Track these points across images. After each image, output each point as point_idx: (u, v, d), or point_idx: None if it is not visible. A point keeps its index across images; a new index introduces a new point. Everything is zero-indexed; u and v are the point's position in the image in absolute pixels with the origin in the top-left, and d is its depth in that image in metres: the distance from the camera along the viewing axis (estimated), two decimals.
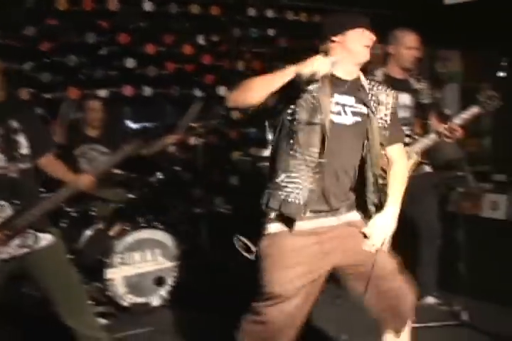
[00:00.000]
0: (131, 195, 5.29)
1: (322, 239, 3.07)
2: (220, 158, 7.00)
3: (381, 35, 8.07)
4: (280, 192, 3.03)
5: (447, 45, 7.19)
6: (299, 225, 3.04)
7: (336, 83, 3.03)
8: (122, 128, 6.46)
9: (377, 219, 3.13)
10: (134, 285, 4.95)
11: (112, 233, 5.04)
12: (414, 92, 4.86)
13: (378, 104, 3.13)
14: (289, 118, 3.01)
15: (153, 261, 5.06)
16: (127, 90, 6.39)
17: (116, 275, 4.88)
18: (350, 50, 3.04)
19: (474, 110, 4.53)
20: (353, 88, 3.09)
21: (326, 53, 3.06)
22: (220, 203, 6.84)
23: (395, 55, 4.84)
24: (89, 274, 4.85)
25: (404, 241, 4.91)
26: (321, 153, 2.96)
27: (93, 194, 5.20)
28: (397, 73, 4.88)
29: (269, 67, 7.23)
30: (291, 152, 3.00)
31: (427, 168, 4.91)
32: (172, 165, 5.81)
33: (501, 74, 7.73)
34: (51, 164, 3.78)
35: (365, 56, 3.05)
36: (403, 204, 3.24)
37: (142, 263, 5.00)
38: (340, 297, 5.16)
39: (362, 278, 3.12)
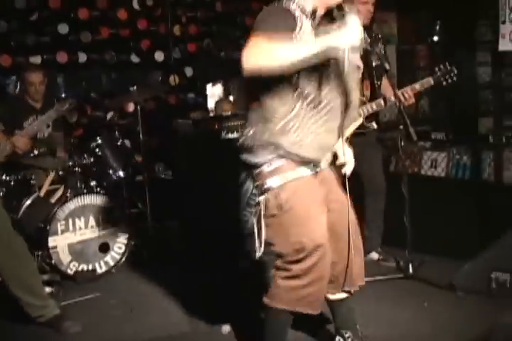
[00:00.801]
0: (70, 162, 5.19)
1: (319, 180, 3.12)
2: (160, 123, 6.92)
3: None
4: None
5: (383, 7, 7.21)
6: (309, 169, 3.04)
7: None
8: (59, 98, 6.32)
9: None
10: (78, 252, 4.89)
11: (52, 200, 4.94)
12: (366, 53, 4.84)
13: None
14: None
15: (96, 227, 5.00)
16: (61, 57, 6.24)
17: (60, 242, 4.81)
18: None
19: (430, 82, 4.66)
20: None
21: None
22: (161, 169, 6.77)
23: None
24: (32, 242, 4.75)
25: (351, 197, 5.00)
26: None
27: (32, 162, 5.14)
28: None
29: (205, 32, 7.18)
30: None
31: (374, 125, 4.97)
32: (111, 132, 5.71)
33: (435, 38, 7.83)
34: None
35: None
36: None
37: (85, 230, 4.94)
38: None
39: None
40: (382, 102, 4.75)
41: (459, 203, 5.09)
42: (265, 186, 2.99)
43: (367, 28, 4.79)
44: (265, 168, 2.99)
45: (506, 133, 5.55)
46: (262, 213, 3.00)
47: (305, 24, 2.86)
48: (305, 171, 3.01)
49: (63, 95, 6.00)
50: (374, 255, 5.09)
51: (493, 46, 4.91)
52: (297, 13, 2.87)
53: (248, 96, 3.09)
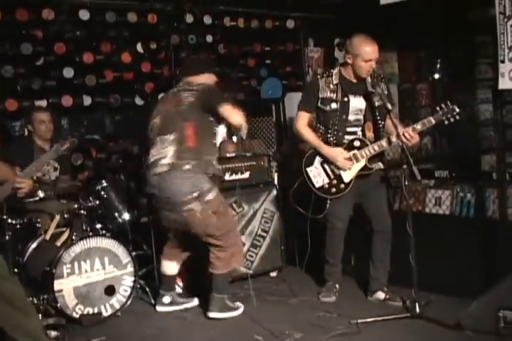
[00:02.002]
0: (76, 205, 5.21)
1: None
2: None
3: (319, 39, 8.23)
4: None
5: (384, 47, 7.30)
6: None
7: None
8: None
9: None
10: (84, 295, 4.87)
11: (58, 243, 4.94)
12: (369, 95, 4.89)
13: None
14: None
15: (102, 269, 4.99)
16: (66, 100, 6.31)
17: (65, 286, 4.79)
18: None
19: (431, 122, 4.71)
20: None
21: None
22: None
23: (352, 65, 4.85)
24: (38, 286, 4.77)
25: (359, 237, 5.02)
26: None
27: (37, 206, 5.18)
28: (353, 77, 4.92)
29: None
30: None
31: (380, 165, 5.01)
32: (116, 174, 5.76)
33: (436, 75, 7.91)
34: None
35: None
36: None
37: (91, 273, 4.93)
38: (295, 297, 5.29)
39: None
40: (384, 143, 4.79)
41: (464, 241, 5.09)
42: (206, 199, 4.66)
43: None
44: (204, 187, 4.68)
45: (509, 170, 5.56)
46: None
47: None
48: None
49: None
50: (380, 294, 5.08)
51: (493, 83, 4.94)
52: None
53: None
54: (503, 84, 4.73)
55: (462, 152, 6.60)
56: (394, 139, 4.71)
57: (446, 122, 4.68)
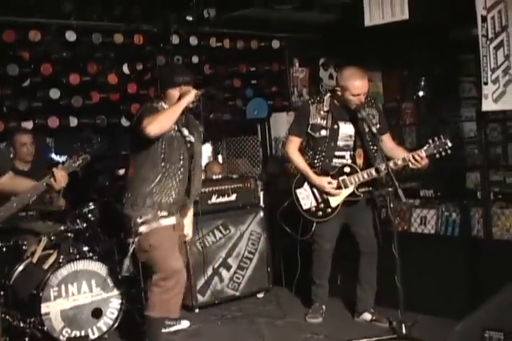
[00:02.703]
0: (63, 227, 5.21)
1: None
2: None
3: (304, 59, 8.31)
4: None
5: (368, 67, 7.37)
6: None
7: None
8: (48, 161, 6.39)
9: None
10: (71, 318, 4.86)
11: (45, 266, 4.93)
12: (360, 121, 4.90)
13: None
14: None
15: (89, 292, 4.98)
16: (52, 121, 6.32)
17: (52, 309, 4.78)
18: None
19: (421, 154, 4.67)
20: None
21: None
22: None
23: (341, 96, 4.87)
24: (24, 309, 4.75)
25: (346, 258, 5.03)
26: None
27: (24, 227, 5.16)
28: (342, 105, 4.94)
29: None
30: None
31: (367, 188, 5.03)
32: (103, 196, 5.76)
33: (420, 93, 8.00)
34: None
35: None
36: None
37: (78, 296, 4.92)
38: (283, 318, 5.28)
39: None
40: (373, 172, 4.80)
41: (450, 260, 5.12)
42: (138, 231, 4.38)
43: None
44: (138, 220, 4.41)
45: (493, 189, 5.61)
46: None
47: None
48: (165, 222, 4.45)
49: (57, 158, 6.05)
50: (367, 315, 5.10)
51: (477, 102, 4.99)
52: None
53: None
54: (487, 105, 4.78)
55: (447, 170, 6.65)
56: (382, 168, 4.71)
57: (437, 156, 4.66)
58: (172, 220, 4.51)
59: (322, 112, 4.97)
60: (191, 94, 4.30)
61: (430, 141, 4.67)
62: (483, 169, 5.31)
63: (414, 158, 4.66)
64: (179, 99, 4.35)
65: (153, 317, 4.48)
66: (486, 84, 4.76)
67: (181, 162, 4.47)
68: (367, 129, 4.83)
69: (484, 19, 4.69)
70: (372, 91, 7.68)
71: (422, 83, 8.03)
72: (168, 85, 4.43)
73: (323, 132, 4.94)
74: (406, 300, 4.60)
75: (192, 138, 4.57)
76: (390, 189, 4.49)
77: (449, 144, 4.63)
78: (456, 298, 4.93)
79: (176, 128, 4.46)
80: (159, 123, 4.17)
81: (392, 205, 4.58)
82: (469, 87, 7.31)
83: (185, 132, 4.54)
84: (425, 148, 4.67)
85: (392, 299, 4.66)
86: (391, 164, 4.65)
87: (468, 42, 5.14)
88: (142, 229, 4.39)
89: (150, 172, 4.42)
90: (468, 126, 7.29)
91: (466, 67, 7.15)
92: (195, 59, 7.30)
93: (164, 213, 4.45)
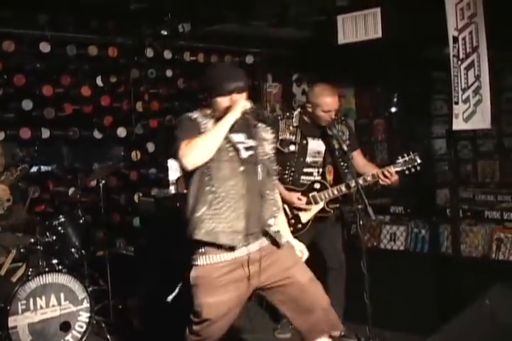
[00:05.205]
0: (32, 240, 5.17)
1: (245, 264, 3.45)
2: (122, 199, 6.97)
3: (277, 75, 8.35)
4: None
5: (341, 83, 7.43)
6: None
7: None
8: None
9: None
10: (39, 331, 4.81)
11: (13, 279, 4.90)
12: (330, 138, 4.92)
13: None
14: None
15: (58, 305, 4.94)
16: (24, 133, 6.29)
17: (20, 322, 4.72)
18: None
19: (391, 170, 4.71)
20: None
21: None
22: (123, 245, 6.79)
23: (312, 113, 4.89)
24: None
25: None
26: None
27: None
28: (312, 121, 4.97)
29: (167, 108, 7.31)
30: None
31: (336, 205, 5.05)
32: (74, 209, 5.74)
33: (393, 109, 8.07)
34: None
35: None
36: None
37: (47, 309, 4.87)
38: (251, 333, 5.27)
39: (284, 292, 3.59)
40: (343, 188, 4.83)
41: (418, 276, 5.17)
42: (193, 262, 3.51)
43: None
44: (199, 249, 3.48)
45: (462, 206, 5.67)
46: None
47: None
48: (220, 257, 3.45)
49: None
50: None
51: (447, 119, 5.05)
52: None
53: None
54: (457, 125, 4.84)
55: (417, 187, 6.71)
56: (352, 184, 4.74)
57: (406, 172, 4.71)
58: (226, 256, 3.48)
59: (291, 128, 4.99)
60: (237, 109, 3.36)
61: (400, 157, 4.72)
62: (453, 186, 5.37)
63: (383, 174, 4.71)
64: (227, 109, 3.42)
65: None
66: (456, 103, 4.82)
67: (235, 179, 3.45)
68: (337, 146, 4.86)
69: (456, 40, 4.76)
70: (344, 108, 7.78)
71: (395, 100, 8.10)
72: (216, 92, 3.46)
73: (292, 147, 4.96)
74: (374, 316, 4.59)
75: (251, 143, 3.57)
76: (359, 206, 4.50)
77: (419, 161, 4.69)
78: (424, 314, 4.97)
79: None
80: (196, 155, 3.26)
81: (361, 222, 4.60)
82: (441, 104, 7.39)
83: (237, 137, 3.53)
84: (395, 164, 4.72)
85: (360, 315, 4.67)
86: (361, 180, 4.68)
87: (440, 61, 5.20)
88: (195, 260, 3.52)
89: (199, 194, 3.43)
90: (438, 143, 7.37)
91: (438, 85, 7.24)
92: (169, 73, 7.32)
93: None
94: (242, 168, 3.44)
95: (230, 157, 3.42)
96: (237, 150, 3.46)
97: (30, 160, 5.89)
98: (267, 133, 3.71)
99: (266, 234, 3.56)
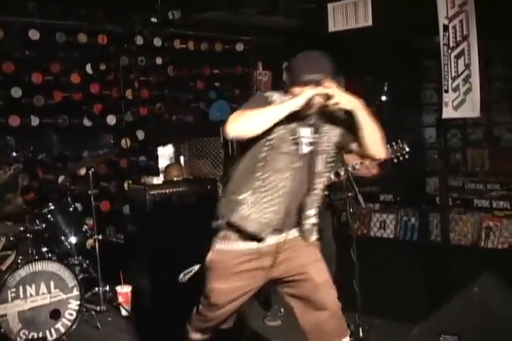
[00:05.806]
0: (22, 228, 5.16)
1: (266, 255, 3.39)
2: (112, 187, 6.96)
3: (267, 62, 8.31)
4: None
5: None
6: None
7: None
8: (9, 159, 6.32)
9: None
10: (29, 319, 4.81)
11: (3, 267, 4.89)
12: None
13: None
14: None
15: (48, 293, 4.93)
16: (13, 120, 6.25)
17: (10, 310, 4.72)
18: None
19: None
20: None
21: None
22: (113, 232, 6.79)
23: None
24: None
25: None
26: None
27: None
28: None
29: (156, 96, 7.29)
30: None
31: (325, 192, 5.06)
32: (64, 197, 5.73)
33: (383, 97, 8.06)
34: None
35: None
36: None
37: (36, 297, 4.87)
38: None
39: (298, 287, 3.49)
40: (333, 176, 4.83)
41: (408, 264, 5.19)
42: (213, 245, 3.43)
43: None
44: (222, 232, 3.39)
45: (452, 195, 5.70)
46: None
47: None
48: (242, 245, 3.36)
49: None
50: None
51: (437, 108, 5.06)
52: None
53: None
54: (447, 113, 4.85)
55: (407, 175, 6.72)
56: (342, 172, 4.74)
57: (395, 160, 4.70)
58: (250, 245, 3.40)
59: None
60: (302, 96, 3.18)
61: (388, 145, 4.71)
62: (443, 175, 5.39)
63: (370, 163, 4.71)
64: None
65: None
66: (446, 92, 4.83)
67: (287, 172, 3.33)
68: None
69: (446, 28, 4.76)
70: None
71: (385, 88, 8.09)
72: (293, 81, 3.29)
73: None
74: (363, 304, 4.60)
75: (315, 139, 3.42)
76: (349, 194, 4.51)
77: (407, 149, 4.67)
78: (413, 302, 4.99)
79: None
80: (241, 126, 3.12)
81: (352, 210, 4.60)
82: (431, 93, 7.38)
83: (304, 132, 3.41)
84: None
85: (349, 303, 4.67)
86: (350, 168, 4.69)
87: (430, 50, 5.21)
88: (215, 244, 3.45)
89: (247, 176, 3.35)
90: (428, 131, 7.37)
91: (428, 74, 7.23)
92: (158, 60, 7.30)
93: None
94: (297, 164, 3.31)
95: (290, 150, 3.30)
96: (299, 144, 3.33)
97: (25, 160, 5.85)
98: (334, 130, 3.46)
99: (299, 226, 3.47)
